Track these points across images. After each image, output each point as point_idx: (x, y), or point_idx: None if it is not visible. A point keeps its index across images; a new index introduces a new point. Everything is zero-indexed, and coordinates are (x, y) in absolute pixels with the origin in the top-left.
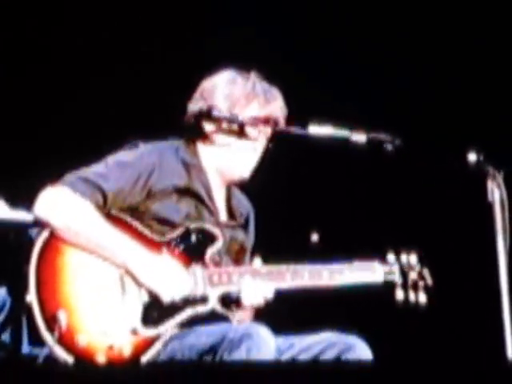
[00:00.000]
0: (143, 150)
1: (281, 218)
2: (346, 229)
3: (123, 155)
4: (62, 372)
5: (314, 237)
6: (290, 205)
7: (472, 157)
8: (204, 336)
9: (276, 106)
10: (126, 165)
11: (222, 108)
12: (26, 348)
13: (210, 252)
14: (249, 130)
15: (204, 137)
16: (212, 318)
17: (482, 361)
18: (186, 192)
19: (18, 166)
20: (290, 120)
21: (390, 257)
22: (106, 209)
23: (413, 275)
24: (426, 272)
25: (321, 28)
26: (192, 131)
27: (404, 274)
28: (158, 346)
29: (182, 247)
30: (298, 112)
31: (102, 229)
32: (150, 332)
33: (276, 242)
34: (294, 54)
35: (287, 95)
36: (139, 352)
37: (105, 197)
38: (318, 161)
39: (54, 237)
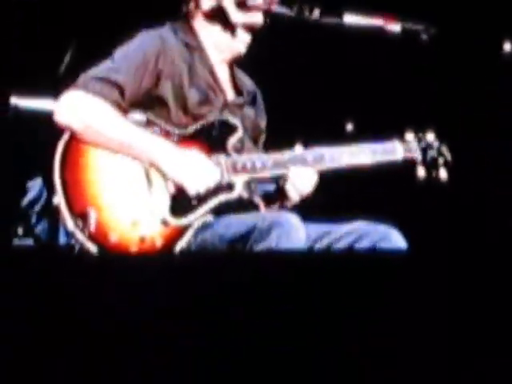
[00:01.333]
0: (145, 36)
1: (316, 109)
2: (379, 117)
3: (126, 46)
4: (97, 262)
5: (349, 126)
6: (325, 95)
7: (507, 46)
8: (233, 226)
9: None
10: (131, 53)
11: None
12: (62, 238)
13: (232, 141)
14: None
15: (199, 14)
16: (240, 206)
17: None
18: (192, 74)
19: None
20: (324, 9)
21: (409, 135)
22: (125, 103)
23: (432, 152)
24: (444, 148)
25: None
26: (187, 11)
27: (423, 151)
28: (188, 235)
29: (203, 139)
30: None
31: (122, 126)
32: (179, 221)
33: (311, 133)
34: None
35: None
36: (170, 242)
37: (121, 89)
38: (352, 50)
39: (75, 139)
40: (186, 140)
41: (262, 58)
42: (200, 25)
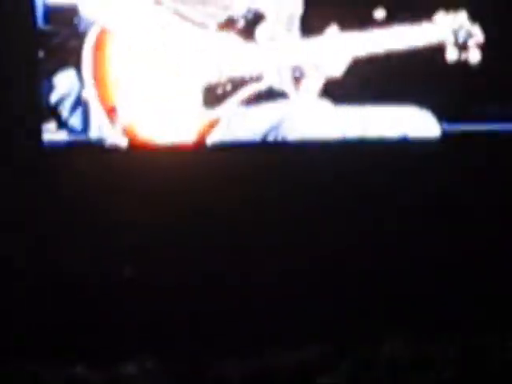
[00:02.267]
0: None
1: None
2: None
3: None
4: (129, 154)
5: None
6: None
7: None
8: (263, 120)
9: None
10: None
11: None
12: (94, 132)
13: (261, 30)
14: None
15: None
16: (270, 95)
17: None
18: None
19: None
20: None
21: (439, 17)
22: None
23: (463, 33)
24: (475, 30)
25: None
26: None
27: (454, 32)
28: (221, 126)
29: (232, 29)
30: None
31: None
32: (212, 113)
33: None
34: None
35: None
36: (204, 134)
37: None
38: None
39: (104, 34)
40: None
41: None
42: None
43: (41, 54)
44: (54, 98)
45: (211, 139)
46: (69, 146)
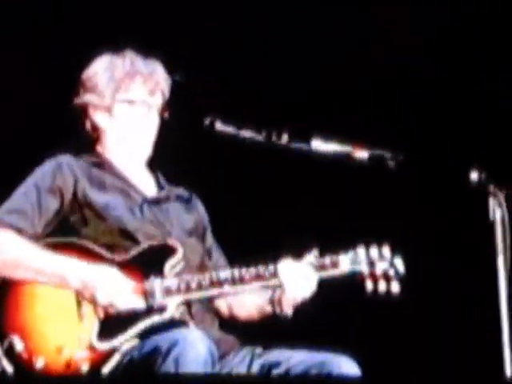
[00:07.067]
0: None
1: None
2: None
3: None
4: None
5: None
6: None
7: (474, 175)
8: (146, 347)
9: (159, 77)
10: (28, 182)
11: (106, 93)
12: None
13: (170, 264)
14: (138, 109)
15: (95, 131)
16: (171, 325)
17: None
18: (98, 186)
19: None
20: (292, 134)
21: (359, 250)
22: (34, 228)
23: (382, 265)
24: (397, 261)
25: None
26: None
27: (372, 263)
28: (116, 358)
29: (141, 264)
30: (300, 127)
31: (33, 254)
32: (105, 346)
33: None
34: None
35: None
36: (97, 366)
37: (25, 216)
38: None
39: None
40: (123, 266)
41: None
42: (100, 141)
43: None
44: None
45: (106, 370)
46: None
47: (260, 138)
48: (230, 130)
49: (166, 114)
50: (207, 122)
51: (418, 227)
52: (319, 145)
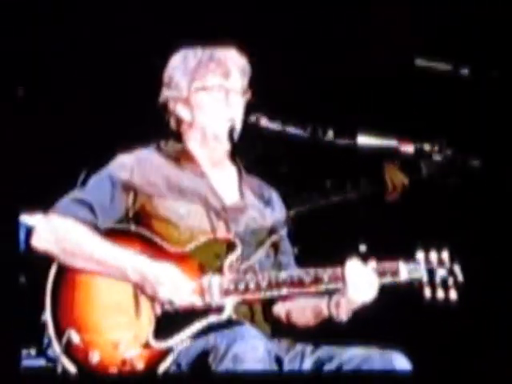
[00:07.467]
0: (117, 158)
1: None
2: (392, 239)
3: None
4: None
5: (362, 247)
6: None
7: None
8: (202, 344)
9: (233, 60)
10: (102, 175)
11: (182, 85)
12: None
13: (229, 261)
14: (215, 94)
15: (179, 126)
16: (228, 326)
17: None
18: (177, 188)
19: None
20: (338, 131)
21: (419, 255)
22: (99, 221)
23: (441, 272)
24: (456, 269)
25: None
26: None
27: (431, 271)
28: (171, 357)
29: (198, 258)
30: (346, 123)
31: (96, 245)
32: (162, 345)
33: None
34: None
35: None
36: (152, 365)
37: (92, 209)
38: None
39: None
40: (182, 258)
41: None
42: (184, 133)
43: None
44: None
45: (161, 369)
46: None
47: (305, 134)
48: (275, 126)
49: (248, 96)
50: (253, 118)
51: (477, 233)
52: (365, 140)
